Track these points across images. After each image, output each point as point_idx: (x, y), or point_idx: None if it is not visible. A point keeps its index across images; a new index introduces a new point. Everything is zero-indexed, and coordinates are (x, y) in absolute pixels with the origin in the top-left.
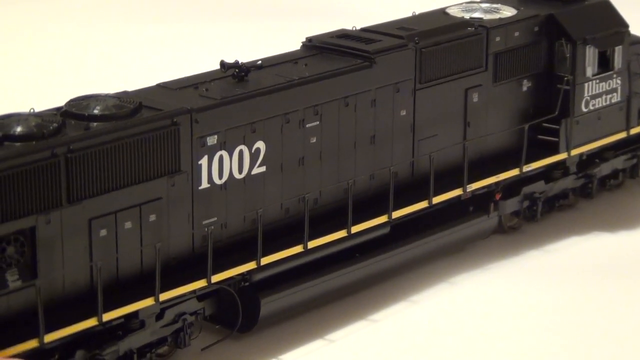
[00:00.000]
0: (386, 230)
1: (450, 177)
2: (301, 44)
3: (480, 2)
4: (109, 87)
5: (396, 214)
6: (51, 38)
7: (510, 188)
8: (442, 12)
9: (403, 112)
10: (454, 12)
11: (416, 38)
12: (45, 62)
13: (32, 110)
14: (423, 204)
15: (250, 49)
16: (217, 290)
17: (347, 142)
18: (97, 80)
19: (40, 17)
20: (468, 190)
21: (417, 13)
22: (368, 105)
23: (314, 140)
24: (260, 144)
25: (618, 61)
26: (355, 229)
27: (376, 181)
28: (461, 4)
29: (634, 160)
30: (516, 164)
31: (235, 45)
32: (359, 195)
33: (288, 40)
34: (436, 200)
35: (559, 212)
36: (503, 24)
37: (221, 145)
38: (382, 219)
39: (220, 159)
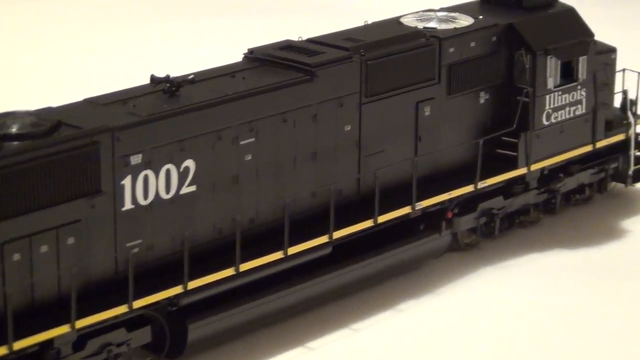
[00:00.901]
0: (327, 251)
1: (399, 194)
2: (243, 56)
3: (438, 11)
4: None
5: (339, 234)
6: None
7: (468, 203)
8: (396, 22)
9: (347, 127)
10: (409, 21)
11: (362, 50)
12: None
13: None
14: (367, 223)
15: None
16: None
17: (286, 159)
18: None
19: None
20: (417, 208)
21: (369, 22)
22: (309, 121)
23: (249, 158)
24: (189, 163)
25: (582, 72)
26: (293, 250)
27: (318, 199)
28: (417, 12)
29: (602, 174)
30: (472, 179)
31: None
32: (300, 215)
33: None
34: (382, 219)
35: (521, 228)
36: (457, 34)
37: (146, 165)
38: (323, 239)
39: (145, 178)
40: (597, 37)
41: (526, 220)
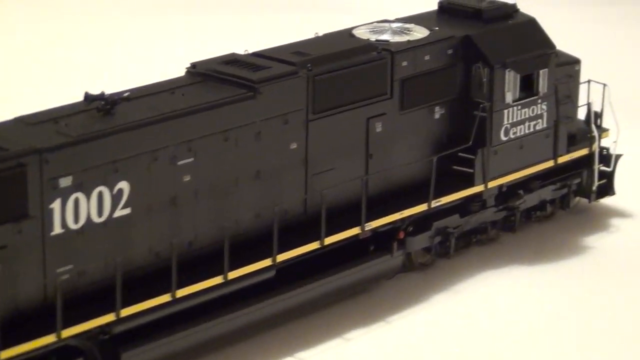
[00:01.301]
0: (270, 274)
1: (349, 214)
2: (185, 70)
3: (393, 21)
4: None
5: (283, 257)
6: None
7: (423, 222)
8: (348, 34)
9: (293, 145)
10: (361, 33)
11: (309, 65)
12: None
13: None
14: (314, 245)
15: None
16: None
17: (228, 179)
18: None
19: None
20: (367, 229)
21: (320, 34)
22: (252, 139)
23: (188, 179)
24: (123, 184)
25: (543, 85)
26: (234, 274)
27: (263, 220)
28: (372, 23)
29: (565, 190)
30: (426, 197)
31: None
32: (243, 237)
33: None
34: (329, 240)
35: (479, 247)
36: (411, 47)
37: (77, 187)
38: (266, 262)
39: (76, 201)
40: (570, 48)
41: (484, 239)
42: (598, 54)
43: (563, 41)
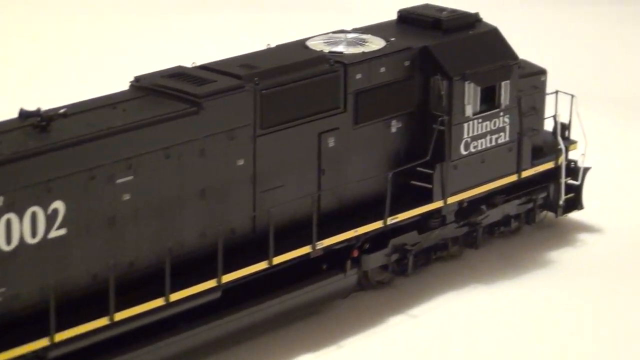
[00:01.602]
0: (216, 295)
1: (300, 232)
2: (129, 84)
3: (350, 32)
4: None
5: (229, 277)
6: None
7: (380, 239)
8: (301, 45)
9: (240, 162)
10: (315, 44)
11: (256, 78)
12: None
13: None
14: (262, 265)
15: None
16: None
17: (171, 198)
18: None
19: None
20: (318, 247)
21: (272, 45)
22: (195, 156)
23: (127, 198)
24: (58, 204)
25: (505, 97)
26: (176, 295)
27: (208, 240)
28: (327, 33)
29: (530, 205)
30: (382, 214)
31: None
32: (187, 256)
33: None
34: (278, 260)
35: (440, 263)
36: (365, 59)
37: (8, 207)
38: (211, 283)
39: (8, 222)
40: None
41: (444, 256)
42: (578, 63)
43: (537, 48)
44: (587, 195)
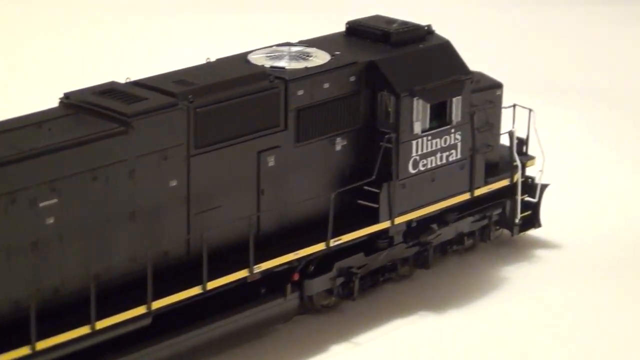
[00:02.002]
0: (146, 322)
1: (238, 254)
2: (59, 101)
3: (295, 45)
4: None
5: (159, 303)
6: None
7: (326, 261)
8: (242, 59)
9: (173, 183)
10: (257, 58)
11: (190, 96)
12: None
13: None
14: (195, 290)
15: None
16: None
17: (98, 221)
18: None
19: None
20: (256, 271)
21: (211, 60)
22: (125, 178)
23: (51, 221)
24: None
25: (457, 114)
26: (103, 323)
27: (139, 264)
28: (271, 46)
29: (485, 222)
30: (325, 236)
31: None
32: (117, 282)
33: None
34: (213, 285)
35: (390, 285)
36: (307, 75)
37: None
38: (140, 309)
39: None
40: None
41: (393, 277)
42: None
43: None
44: (546, 212)
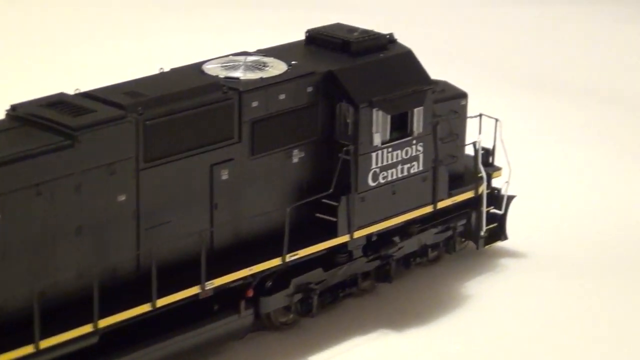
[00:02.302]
0: (92, 341)
1: (191, 270)
2: (5, 113)
3: (252, 54)
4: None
5: (107, 322)
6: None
7: (284, 276)
8: (197, 69)
9: (122, 197)
10: (212, 68)
11: (140, 108)
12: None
13: None
14: (144, 308)
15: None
16: None
17: (43, 237)
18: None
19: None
20: (208, 287)
21: (164, 69)
22: (70, 193)
23: None
24: None
25: (418, 125)
26: (47, 342)
27: (87, 281)
28: (227, 56)
29: (449, 233)
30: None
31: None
32: (63, 299)
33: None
34: (163, 302)
35: (352, 299)
36: (262, 86)
37: None
38: (86, 328)
39: None
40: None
41: (354, 292)
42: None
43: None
44: (513, 224)
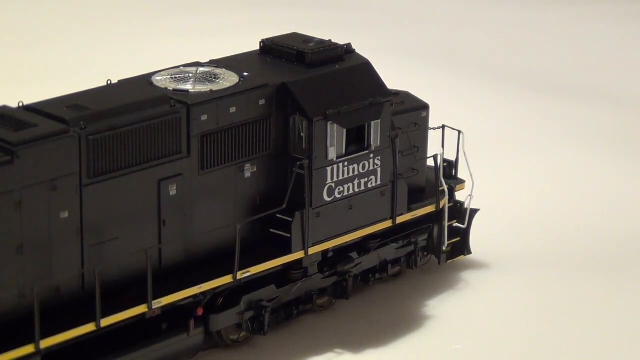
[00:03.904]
0: None
1: (138, 288)
2: None
3: (204, 65)
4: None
5: (49, 342)
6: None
7: (236, 293)
8: (145, 81)
9: (64, 214)
10: (161, 80)
11: (83, 122)
12: None
13: None
14: (88, 328)
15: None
16: None
17: None
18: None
19: None
20: (155, 306)
21: (112, 81)
22: (10, 210)
23: None
24: None
25: (375, 138)
26: None
27: (29, 300)
28: (178, 67)
29: (411, 248)
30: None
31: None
32: (4, 319)
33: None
34: (108, 322)
35: (309, 315)
36: (212, 99)
37: None
38: (28, 349)
39: None
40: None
41: (309, 310)
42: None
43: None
44: (477, 237)
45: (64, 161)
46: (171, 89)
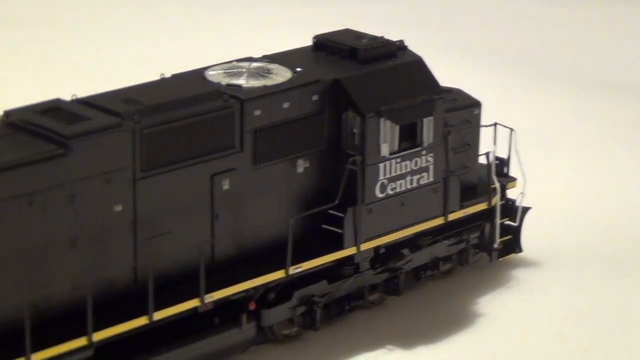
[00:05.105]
0: (87, 354)
1: (191, 282)
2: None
3: (257, 60)
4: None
5: (102, 335)
6: None
7: (288, 288)
8: (199, 76)
9: (118, 208)
10: (214, 74)
11: (136, 116)
12: None
13: None
14: (141, 321)
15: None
16: None
17: (35, 249)
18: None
19: None
20: (208, 301)
21: (166, 75)
22: (64, 203)
23: None
24: None
25: (428, 135)
26: (40, 355)
27: (83, 293)
28: (230, 62)
29: (462, 245)
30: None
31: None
32: (57, 312)
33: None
34: (160, 315)
35: (360, 312)
36: (265, 94)
37: None
38: (81, 341)
39: None
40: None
41: (360, 306)
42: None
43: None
44: (528, 235)
45: (117, 154)
46: (224, 83)
